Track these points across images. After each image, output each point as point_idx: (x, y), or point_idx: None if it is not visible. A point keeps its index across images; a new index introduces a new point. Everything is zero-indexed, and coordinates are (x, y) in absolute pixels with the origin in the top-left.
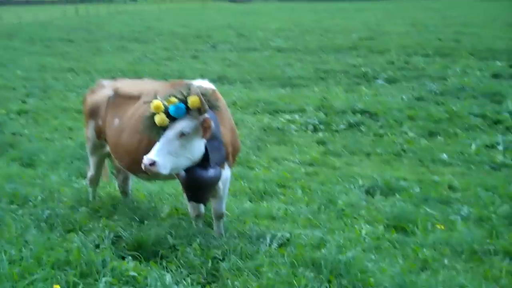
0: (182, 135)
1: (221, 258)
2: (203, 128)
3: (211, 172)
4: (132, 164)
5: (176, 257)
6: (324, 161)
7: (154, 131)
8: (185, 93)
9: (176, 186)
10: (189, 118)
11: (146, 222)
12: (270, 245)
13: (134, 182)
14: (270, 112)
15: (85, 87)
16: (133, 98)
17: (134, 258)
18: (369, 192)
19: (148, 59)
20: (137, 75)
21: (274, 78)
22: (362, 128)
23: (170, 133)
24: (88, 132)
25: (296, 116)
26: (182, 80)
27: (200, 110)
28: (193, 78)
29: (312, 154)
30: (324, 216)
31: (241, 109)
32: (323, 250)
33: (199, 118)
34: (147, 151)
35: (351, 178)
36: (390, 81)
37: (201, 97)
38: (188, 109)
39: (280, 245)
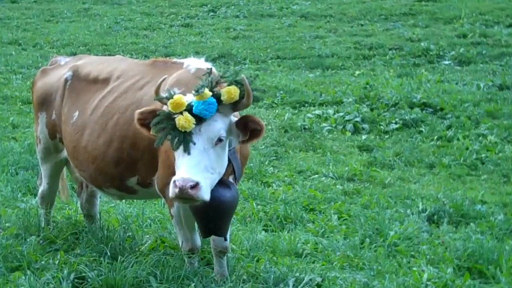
0: (219, 141)
1: None
2: (243, 131)
3: (234, 190)
4: (98, 175)
5: None
6: (369, 175)
7: (172, 137)
8: (211, 80)
9: (161, 208)
10: (220, 116)
11: (120, 258)
12: None
13: (103, 201)
14: (293, 104)
15: (34, 67)
16: (100, 82)
17: None
18: (433, 220)
19: (122, 28)
20: (106, 50)
21: (298, 57)
22: (423, 128)
23: (204, 140)
24: (39, 129)
25: (330, 111)
26: (169, 58)
27: (236, 105)
28: (184, 55)
29: (352, 165)
30: (370, 254)
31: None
32: None
33: (230, 117)
34: (118, 158)
35: (407, 200)
36: (461, 61)
37: (249, 87)
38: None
39: None
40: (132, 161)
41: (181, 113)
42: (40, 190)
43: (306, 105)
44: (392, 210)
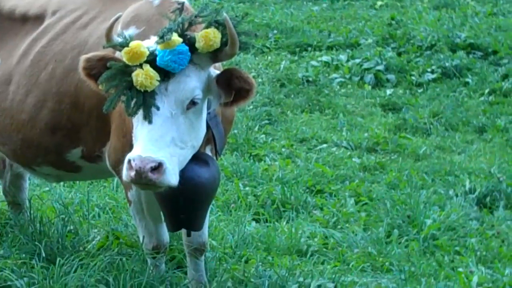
0: (192, 104)
1: None
2: (226, 89)
3: (213, 168)
4: (26, 149)
5: None
6: (396, 143)
7: (127, 99)
8: (182, 21)
9: (114, 193)
10: (195, 69)
11: (59, 260)
12: None
13: (33, 184)
14: (292, 49)
15: None
16: (29, 21)
17: None
18: (484, 204)
19: None
20: None
21: None
22: (469, 79)
23: (171, 103)
24: None
25: (342, 57)
26: None
27: (216, 54)
28: None
29: (373, 131)
30: (399, 250)
31: None
32: None
33: (209, 70)
34: (54, 123)
35: (449, 177)
36: None
37: (233, 30)
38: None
39: None
40: (74, 127)
41: (140, 65)
42: None
43: (309, 49)
44: (429, 191)
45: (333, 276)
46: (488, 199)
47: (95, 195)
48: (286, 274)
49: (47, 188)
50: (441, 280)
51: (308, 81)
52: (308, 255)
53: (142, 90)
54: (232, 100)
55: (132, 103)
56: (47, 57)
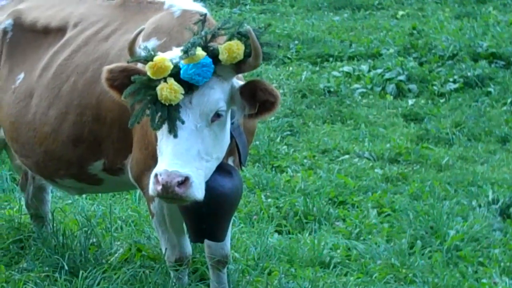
0: (217, 117)
1: None
2: (250, 101)
3: (236, 178)
4: (48, 161)
5: None
6: (419, 154)
7: (152, 113)
8: (205, 34)
9: (136, 205)
10: (218, 81)
11: (82, 273)
12: None
13: (56, 196)
14: (313, 59)
15: None
16: (51, 33)
17: None
18: (508, 214)
19: None
20: None
21: None
22: (491, 88)
23: (196, 117)
24: None
25: (363, 67)
26: None
27: (239, 66)
28: None
29: (395, 141)
30: (422, 261)
31: None
32: None
33: (232, 81)
34: (76, 135)
35: (472, 187)
36: None
37: (257, 41)
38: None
39: None
40: (96, 139)
41: (164, 79)
42: None
43: (331, 59)
44: (452, 202)
45: (356, 287)
46: (511, 209)
47: (117, 207)
48: (309, 286)
49: (69, 201)
50: None
51: (329, 91)
52: (331, 267)
53: (167, 104)
54: (257, 112)
55: (157, 117)
56: (69, 69)
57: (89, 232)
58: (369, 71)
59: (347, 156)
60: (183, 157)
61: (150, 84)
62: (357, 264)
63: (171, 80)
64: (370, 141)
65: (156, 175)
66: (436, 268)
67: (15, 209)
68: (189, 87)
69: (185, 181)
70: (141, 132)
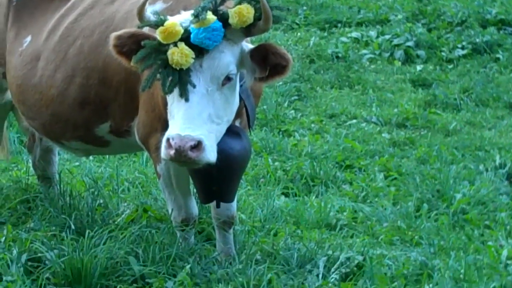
0: (227, 80)
1: None
2: (260, 65)
3: (245, 140)
4: (54, 124)
5: None
6: (426, 119)
7: (163, 78)
8: None
9: (143, 167)
10: (228, 44)
11: (88, 233)
12: (325, 277)
13: (63, 158)
14: (321, 25)
15: None
16: None
17: None
18: None
19: None
20: None
21: None
22: (500, 55)
23: (207, 80)
24: None
25: (372, 33)
26: None
27: (249, 29)
28: None
29: (403, 106)
30: (429, 224)
31: None
32: (426, 287)
33: (241, 44)
34: (83, 98)
35: (479, 152)
36: None
37: (267, 5)
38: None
39: (345, 277)
40: (103, 102)
41: (174, 43)
42: None
43: (339, 25)
44: (459, 166)
45: (362, 249)
46: None
47: (124, 169)
48: (315, 247)
49: (77, 163)
50: (471, 253)
51: (337, 57)
52: (337, 229)
53: (178, 68)
54: (267, 75)
55: (168, 81)
56: (75, 32)
57: (96, 193)
58: (377, 37)
59: (354, 121)
60: (195, 121)
61: (160, 49)
62: (363, 226)
63: (182, 45)
64: (378, 106)
65: (168, 139)
66: (442, 231)
67: (22, 171)
68: (199, 51)
69: (197, 145)
70: (147, 95)
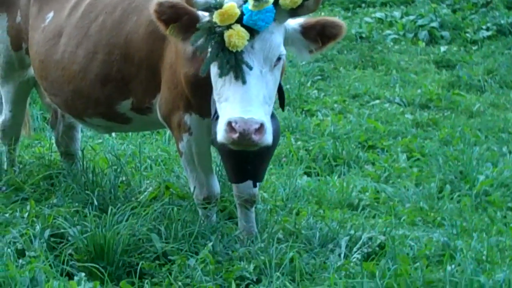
0: (278, 61)
1: (253, 279)
2: (314, 39)
3: (276, 121)
4: (76, 100)
5: (169, 276)
6: (450, 100)
7: (222, 60)
8: None
9: (166, 145)
10: (276, 25)
11: (111, 209)
12: (347, 257)
13: (86, 136)
14: (345, 5)
15: None
16: None
17: (91, 275)
18: None
19: None
20: None
21: None
22: None
23: (260, 61)
24: None
25: (396, 14)
26: None
27: (295, 10)
28: None
29: (427, 87)
30: (451, 205)
31: None
32: (448, 268)
33: (285, 25)
34: (105, 75)
35: (503, 134)
36: None
37: None
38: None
39: (367, 257)
40: (124, 78)
41: (229, 25)
42: (0, 120)
43: (363, 5)
44: (482, 148)
45: (384, 229)
46: None
47: (147, 147)
48: (337, 227)
49: (100, 140)
50: (493, 235)
51: (361, 37)
52: (359, 209)
53: (234, 51)
54: (321, 45)
55: (226, 64)
56: (98, 8)
57: (118, 170)
58: (401, 17)
59: (377, 101)
60: (254, 103)
61: (215, 30)
62: (386, 206)
63: (238, 27)
64: (401, 86)
65: (229, 123)
66: (465, 212)
67: (45, 147)
68: (250, 33)
69: (260, 128)
70: (170, 72)
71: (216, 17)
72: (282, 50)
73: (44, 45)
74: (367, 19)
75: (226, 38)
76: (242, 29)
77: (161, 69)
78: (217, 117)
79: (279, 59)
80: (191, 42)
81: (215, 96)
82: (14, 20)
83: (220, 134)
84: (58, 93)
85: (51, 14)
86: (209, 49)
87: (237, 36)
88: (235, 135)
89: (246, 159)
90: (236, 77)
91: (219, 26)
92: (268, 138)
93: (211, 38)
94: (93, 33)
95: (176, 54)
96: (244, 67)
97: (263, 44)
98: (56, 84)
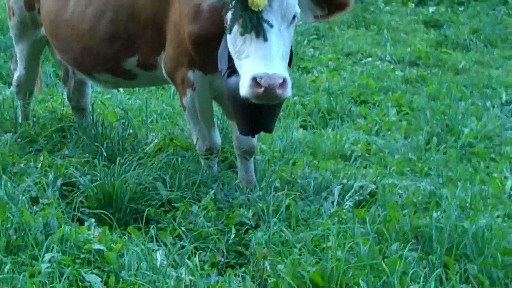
0: (293, 19)
1: (252, 225)
2: (320, 5)
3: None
4: (86, 57)
5: (173, 221)
6: (437, 58)
7: (245, 19)
8: None
9: (170, 100)
10: None
11: (119, 159)
12: (340, 204)
13: (96, 92)
14: None
15: None
16: None
17: (100, 221)
18: None
19: None
20: None
21: None
22: None
23: (278, 20)
24: None
25: None
26: None
27: None
28: None
29: (416, 46)
30: (438, 156)
31: None
32: (434, 214)
33: None
34: (112, 33)
35: (487, 89)
36: None
37: None
38: None
39: (359, 204)
40: (131, 37)
41: None
42: (15, 76)
43: None
44: (467, 102)
45: (375, 178)
46: None
47: (153, 102)
48: (331, 176)
49: (108, 95)
50: (477, 184)
51: None
52: (352, 160)
53: (256, 10)
54: (328, 13)
55: (249, 23)
56: None
57: (126, 123)
58: None
59: (369, 59)
60: (276, 59)
61: None
62: (376, 157)
63: None
64: (392, 45)
65: (254, 78)
66: (450, 163)
67: (57, 102)
68: None
69: (283, 82)
70: (174, 31)
71: None
72: (297, 9)
73: (55, 5)
74: None
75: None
76: None
77: (166, 29)
78: (229, 74)
79: (294, 17)
80: (217, 1)
81: (233, 53)
82: None
83: (244, 89)
84: (68, 50)
85: None
86: (232, 9)
87: None
88: (261, 90)
89: (260, 112)
90: (258, 35)
91: None
92: (289, 91)
93: None
94: None
95: (180, 14)
96: (265, 25)
97: (280, 3)
98: (66, 42)
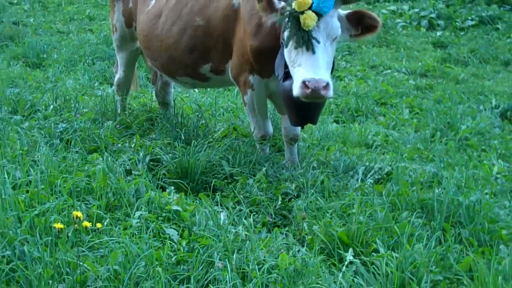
0: (335, 38)
1: (294, 195)
2: (355, 26)
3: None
4: (170, 64)
5: (234, 190)
6: (442, 71)
7: (298, 36)
8: None
9: (234, 99)
10: (334, 11)
11: (193, 142)
12: (363, 181)
13: (177, 91)
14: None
15: None
16: None
17: (178, 189)
18: (506, 116)
19: None
20: None
21: None
22: (499, 25)
23: (324, 37)
24: (115, 18)
25: (405, 7)
26: None
27: (347, 0)
28: None
29: (425, 61)
30: (440, 147)
31: None
32: (436, 190)
33: (340, 13)
34: (192, 46)
35: (480, 96)
36: None
37: None
38: None
39: (377, 181)
40: (206, 49)
41: (303, 11)
42: (116, 78)
43: (381, 0)
44: (465, 106)
45: (391, 162)
46: (509, 113)
47: (220, 99)
48: (356, 159)
49: (187, 94)
50: (470, 168)
51: None
52: (373, 147)
53: (307, 29)
54: (360, 33)
55: (301, 39)
56: None
57: (199, 115)
58: (409, 9)
59: (389, 71)
60: (321, 68)
61: (294, 15)
62: (392, 146)
63: (310, 12)
64: (407, 60)
65: (304, 82)
66: (450, 152)
67: (148, 98)
68: (317, 16)
69: (326, 85)
70: (239, 44)
71: (295, 5)
72: (339, 31)
73: (148, 24)
74: (384, 11)
75: (301, 20)
76: (313, 13)
77: (233, 42)
78: (284, 78)
79: (336, 37)
80: (277, 22)
81: (288, 63)
82: (127, 5)
83: (296, 90)
84: (157, 58)
85: (153, 1)
86: (288, 28)
87: (309, 19)
88: (308, 91)
89: (308, 108)
90: (308, 49)
91: (296, 11)
92: (331, 93)
93: (290, 20)
94: (184, 15)
95: (244, 31)
96: (314, 41)
97: (326, 25)
98: (156, 52)
